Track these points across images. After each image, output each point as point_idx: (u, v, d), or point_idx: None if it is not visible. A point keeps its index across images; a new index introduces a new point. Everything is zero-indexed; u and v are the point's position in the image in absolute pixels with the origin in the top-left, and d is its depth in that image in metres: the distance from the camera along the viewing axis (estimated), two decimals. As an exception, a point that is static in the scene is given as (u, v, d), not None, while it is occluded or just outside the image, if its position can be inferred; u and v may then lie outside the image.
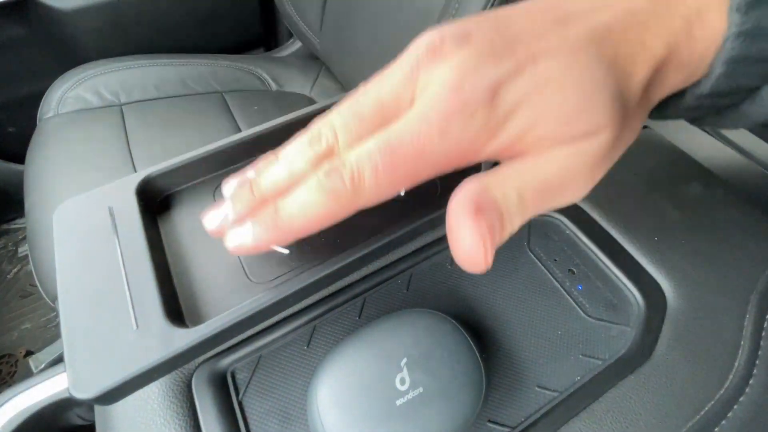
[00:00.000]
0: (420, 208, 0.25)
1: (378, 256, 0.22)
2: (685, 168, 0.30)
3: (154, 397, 0.21)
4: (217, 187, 0.25)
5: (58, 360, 0.85)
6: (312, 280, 0.20)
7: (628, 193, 0.29)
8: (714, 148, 0.31)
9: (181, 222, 0.24)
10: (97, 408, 0.23)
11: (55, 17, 0.79)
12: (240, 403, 0.21)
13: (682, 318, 0.24)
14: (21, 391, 0.36)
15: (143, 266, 0.20)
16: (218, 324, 0.18)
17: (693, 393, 0.21)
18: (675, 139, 0.32)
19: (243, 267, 0.22)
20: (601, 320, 0.24)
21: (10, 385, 0.82)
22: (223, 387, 0.21)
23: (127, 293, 0.19)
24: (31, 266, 1.00)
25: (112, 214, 0.22)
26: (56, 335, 0.90)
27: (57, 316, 0.94)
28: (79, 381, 0.17)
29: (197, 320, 0.20)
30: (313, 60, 0.93)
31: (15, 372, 0.83)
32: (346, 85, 0.79)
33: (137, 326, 0.18)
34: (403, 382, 0.18)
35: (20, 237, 1.05)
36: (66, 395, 0.37)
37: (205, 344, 0.18)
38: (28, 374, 0.83)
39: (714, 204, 0.28)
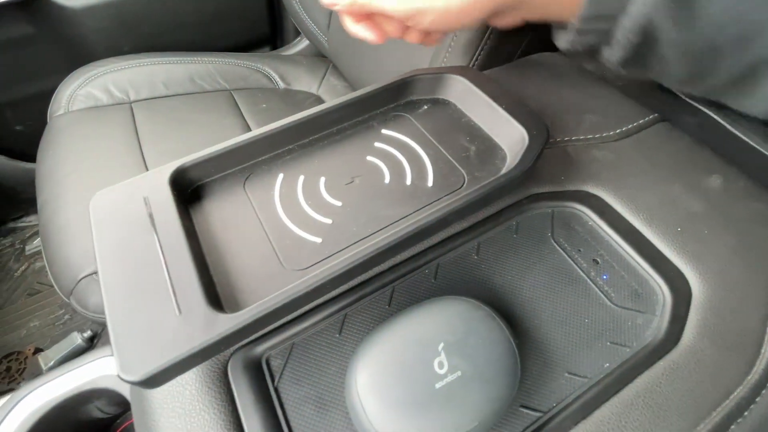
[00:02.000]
0: (447, 198, 0.25)
1: (409, 245, 0.22)
2: (705, 161, 0.31)
3: (192, 383, 0.21)
4: (247, 178, 0.26)
5: (68, 357, 0.86)
6: (348, 266, 0.20)
7: (649, 186, 0.29)
8: (734, 141, 0.31)
9: (212, 211, 0.24)
10: (133, 397, 0.23)
11: (64, 15, 0.79)
12: (276, 390, 0.21)
13: (707, 307, 0.24)
14: (44, 383, 0.36)
15: (182, 254, 0.20)
16: (260, 309, 0.18)
17: (722, 379, 0.22)
18: (694, 133, 0.32)
19: (277, 255, 0.22)
20: (627, 309, 0.24)
21: (19, 383, 0.83)
22: (259, 374, 0.22)
23: (168, 280, 0.19)
24: (44, 263, 1.00)
25: (147, 204, 0.22)
26: (64, 332, 0.90)
27: (66, 313, 0.94)
28: (127, 364, 0.17)
29: (235, 306, 0.20)
30: (320, 58, 0.93)
31: (24, 369, 0.83)
32: (353, 83, 0.80)
33: (180, 312, 0.18)
34: (441, 365, 0.19)
35: (27, 235, 1.05)
36: (87, 388, 0.37)
37: (247, 329, 0.18)
38: (37, 371, 0.83)
39: (735, 196, 0.28)
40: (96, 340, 0.90)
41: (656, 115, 0.33)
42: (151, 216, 0.22)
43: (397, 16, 0.27)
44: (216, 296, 0.20)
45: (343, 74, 0.84)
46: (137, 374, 0.17)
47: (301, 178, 0.26)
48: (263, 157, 0.26)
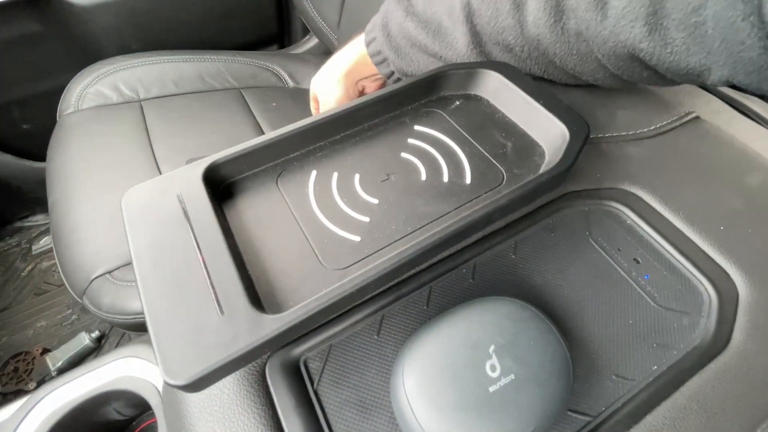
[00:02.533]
0: (487, 195, 0.24)
1: (452, 243, 0.22)
2: (741, 158, 0.30)
3: (229, 386, 0.20)
4: (279, 175, 0.25)
5: (76, 357, 0.85)
6: (393, 265, 0.19)
7: (687, 183, 0.28)
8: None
9: (245, 209, 0.24)
10: (167, 401, 0.22)
11: (73, 13, 0.78)
12: (316, 392, 0.21)
13: (756, 307, 0.23)
14: (63, 384, 0.35)
15: (220, 252, 0.20)
16: (305, 310, 0.18)
17: (776, 381, 0.21)
18: (729, 131, 0.31)
19: (315, 253, 0.22)
20: (672, 309, 0.24)
21: (27, 383, 0.82)
22: (297, 376, 0.21)
23: (208, 280, 0.19)
24: (51, 263, 1.00)
25: (181, 201, 0.22)
26: (72, 332, 0.89)
27: (73, 314, 0.93)
28: (171, 369, 0.16)
29: (276, 306, 0.20)
30: (329, 57, 0.92)
31: (32, 369, 0.82)
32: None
33: (222, 312, 0.18)
34: (493, 369, 0.18)
35: (34, 234, 1.04)
36: (106, 389, 0.37)
37: (292, 330, 0.18)
38: (45, 372, 0.82)
39: (776, 193, 0.28)
40: (104, 340, 0.90)
41: (690, 111, 0.33)
42: (186, 213, 0.21)
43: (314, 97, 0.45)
44: (256, 296, 0.20)
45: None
46: (183, 378, 0.16)
47: (335, 175, 0.25)
48: (295, 154, 0.26)
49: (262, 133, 0.71)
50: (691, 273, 0.25)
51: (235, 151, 0.24)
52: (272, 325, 0.17)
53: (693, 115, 0.33)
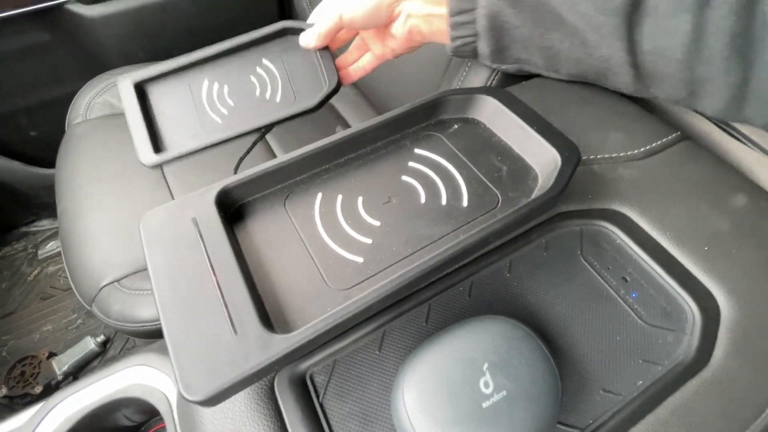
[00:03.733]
0: (483, 218, 0.26)
1: (451, 266, 0.23)
2: (729, 179, 0.31)
3: (241, 400, 0.22)
4: (287, 197, 0.26)
5: (82, 362, 0.86)
6: (395, 287, 0.21)
7: (675, 204, 0.30)
8: (757, 160, 0.32)
9: (255, 230, 0.25)
10: (181, 413, 0.24)
11: (82, 24, 0.80)
12: (321, 405, 0.22)
13: (736, 325, 0.25)
14: (76, 391, 0.37)
15: (233, 274, 0.21)
16: (312, 330, 0.19)
17: (754, 397, 0.22)
18: (719, 152, 0.33)
19: (321, 274, 0.23)
20: (657, 327, 0.25)
21: (33, 387, 0.83)
22: (304, 389, 0.22)
23: (221, 300, 0.20)
24: (57, 267, 1.01)
25: (196, 224, 0.23)
26: (78, 336, 0.91)
27: (78, 318, 0.95)
28: (189, 385, 0.18)
29: (284, 326, 0.21)
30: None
31: (38, 374, 0.84)
32: (365, 91, 0.80)
33: (236, 332, 0.19)
34: (487, 385, 0.19)
35: (39, 239, 1.06)
36: (118, 397, 0.38)
37: (300, 350, 0.19)
38: (51, 376, 0.84)
39: (760, 214, 0.29)
40: (109, 344, 0.91)
41: (680, 133, 0.34)
42: (201, 237, 0.22)
43: (336, 22, 0.37)
44: (266, 315, 0.21)
45: (356, 84, 0.85)
46: (200, 394, 0.17)
47: (339, 197, 0.26)
48: (301, 177, 0.27)
49: (267, 139, 0.73)
50: (676, 291, 0.26)
51: (246, 175, 0.25)
52: (281, 345, 0.19)
53: (683, 136, 0.34)
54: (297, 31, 0.40)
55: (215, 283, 0.21)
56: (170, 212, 0.24)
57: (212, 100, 0.39)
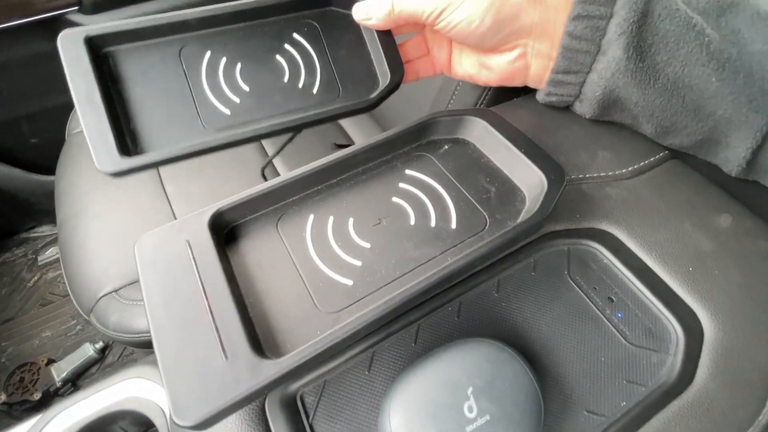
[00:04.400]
0: (470, 240, 0.26)
1: (437, 289, 0.24)
2: (714, 199, 0.32)
3: (232, 420, 0.22)
4: (280, 218, 0.27)
5: (80, 368, 0.87)
6: (382, 312, 0.21)
7: (661, 224, 0.30)
8: (742, 180, 0.32)
9: (248, 252, 0.26)
10: (174, 426, 0.24)
11: (83, 33, 0.81)
12: (311, 426, 0.22)
13: (718, 346, 0.25)
14: (74, 403, 0.37)
15: (224, 298, 0.22)
16: (301, 356, 0.20)
17: (733, 419, 0.23)
18: (705, 171, 0.33)
19: (311, 297, 0.24)
20: (642, 347, 0.26)
21: (32, 393, 0.83)
22: (294, 410, 0.23)
23: (213, 325, 0.21)
24: (56, 273, 1.02)
25: (189, 247, 0.24)
26: (77, 343, 0.91)
27: (77, 324, 0.95)
28: (180, 409, 0.18)
29: (275, 350, 0.22)
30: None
31: (37, 380, 0.84)
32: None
33: (226, 357, 0.20)
34: (471, 409, 0.20)
35: (39, 245, 1.07)
36: (115, 409, 0.38)
37: (289, 375, 0.20)
38: (49, 382, 0.84)
39: (744, 234, 0.30)
40: (107, 351, 0.92)
41: (668, 152, 0.35)
42: (194, 260, 0.23)
43: (429, 13, 0.30)
44: (257, 339, 0.21)
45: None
46: (191, 420, 0.18)
47: (331, 219, 0.27)
48: (294, 198, 0.28)
49: (266, 150, 0.73)
50: (661, 312, 0.27)
51: (239, 198, 0.26)
52: (270, 370, 0.19)
53: (671, 155, 0.35)
54: (345, 2, 0.32)
55: (207, 308, 0.21)
56: (165, 235, 0.24)
57: (216, 82, 0.28)
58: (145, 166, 0.25)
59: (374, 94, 0.31)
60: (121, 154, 0.25)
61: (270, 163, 0.35)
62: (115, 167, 0.25)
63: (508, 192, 0.28)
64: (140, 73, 0.27)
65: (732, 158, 0.30)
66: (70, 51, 0.26)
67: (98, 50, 0.27)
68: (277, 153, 0.35)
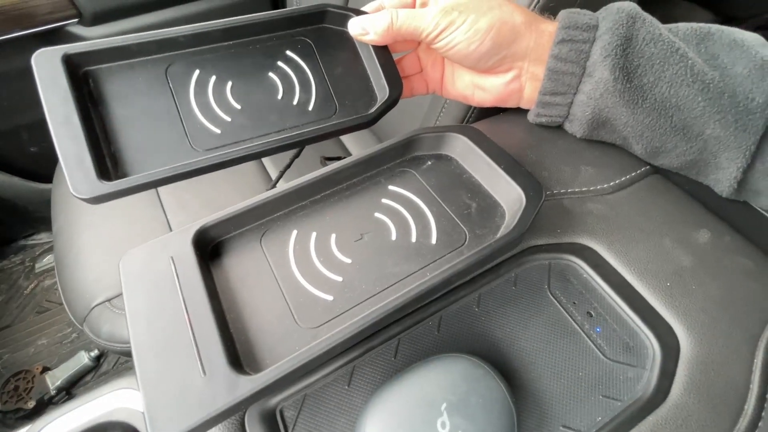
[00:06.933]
0: (450, 256, 0.27)
1: (416, 305, 0.24)
2: (694, 215, 0.32)
3: (212, 434, 0.23)
4: (264, 234, 0.27)
5: (75, 376, 0.87)
6: (360, 327, 0.22)
7: (641, 239, 0.31)
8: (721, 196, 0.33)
9: (231, 268, 0.26)
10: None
11: (82, 44, 0.82)
12: (290, 441, 0.23)
13: (694, 362, 0.25)
14: (63, 414, 0.38)
15: (205, 315, 0.22)
16: (278, 372, 0.20)
17: (707, 435, 0.23)
18: (686, 186, 0.34)
19: (291, 313, 0.24)
20: (619, 362, 0.26)
21: (27, 402, 0.83)
22: (273, 424, 0.23)
23: (193, 341, 0.21)
24: (53, 281, 1.02)
25: (173, 264, 0.24)
26: (72, 351, 0.91)
27: (73, 332, 0.95)
28: (158, 426, 0.18)
29: (254, 365, 0.22)
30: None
31: (32, 388, 0.84)
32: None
33: (204, 373, 0.20)
34: (444, 425, 0.20)
35: (37, 253, 1.07)
36: (104, 420, 0.39)
37: (266, 390, 0.20)
38: (44, 391, 0.84)
39: (722, 250, 0.30)
40: (102, 359, 0.92)
41: (649, 167, 0.35)
42: (177, 277, 0.24)
43: (429, 32, 0.30)
44: (236, 355, 0.22)
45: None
46: (167, 435, 0.18)
47: (314, 234, 0.28)
48: (278, 214, 0.28)
49: (264, 164, 0.74)
50: (638, 327, 0.27)
51: (223, 214, 0.26)
52: (247, 386, 0.20)
53: (652, 170, 0.35)
54: (339, 18, 0.31)
55: (188, 324, 0.22)
56: (149, 251, 0.25)
57: (206, 100, 0.27)
58: (126, 190, 0.25)
59: (373, 110, 0.31)
60: (100, 178, 0.24)
61: (279, 178, 0.34)
62: (91, 192, 0.23)
63: (488, 208, 0.29)
64: (123, 93, 0.26)
65: (723, 179, 0.31)
66: (46, 70, 0.25)
67: (77, 69, 0.26)
68: (287, 168, 0.35)
